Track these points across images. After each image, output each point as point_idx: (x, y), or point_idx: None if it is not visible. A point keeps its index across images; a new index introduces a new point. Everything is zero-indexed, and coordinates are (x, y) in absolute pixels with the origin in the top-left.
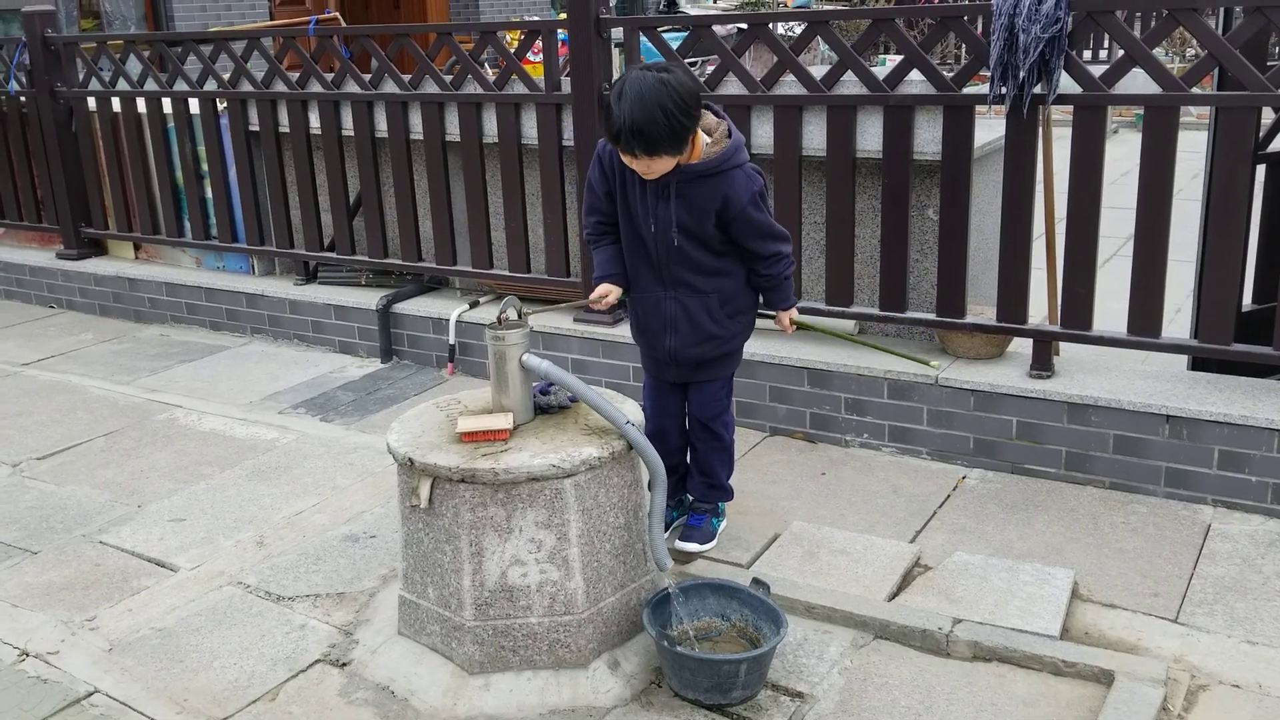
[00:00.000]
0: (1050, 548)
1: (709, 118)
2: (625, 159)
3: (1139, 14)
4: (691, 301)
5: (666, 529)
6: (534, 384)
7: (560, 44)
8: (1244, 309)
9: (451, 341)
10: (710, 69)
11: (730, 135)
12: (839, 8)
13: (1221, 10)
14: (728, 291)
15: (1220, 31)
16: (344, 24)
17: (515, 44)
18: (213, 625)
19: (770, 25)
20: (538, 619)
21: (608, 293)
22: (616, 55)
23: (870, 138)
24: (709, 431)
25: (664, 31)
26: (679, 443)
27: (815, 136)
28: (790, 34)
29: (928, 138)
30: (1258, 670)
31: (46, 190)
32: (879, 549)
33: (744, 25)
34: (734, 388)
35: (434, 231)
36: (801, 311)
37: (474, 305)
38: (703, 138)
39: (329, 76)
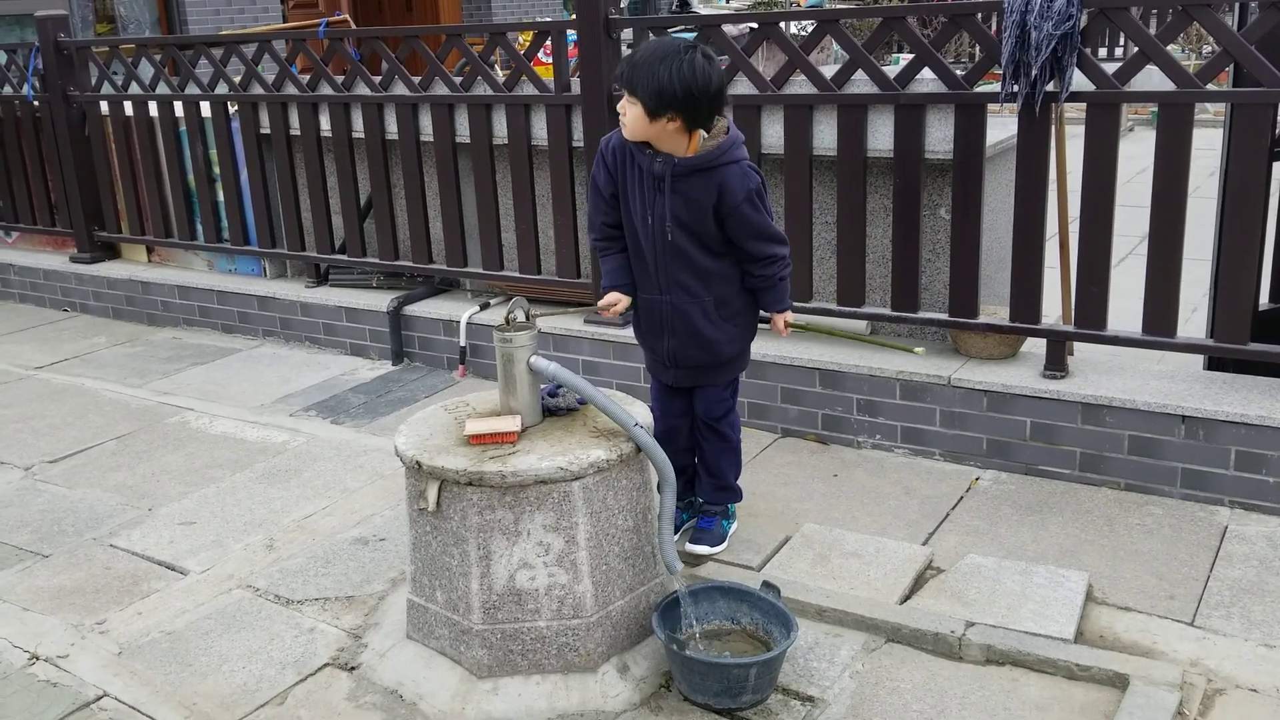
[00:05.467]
0: (1064, 550)
1: None
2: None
3: (1154, 10)
4: (687, 305)
5: (676, 531)
6: (542, 386)
7: (570, 45)
8: (1261, 308)
9: (462, 344)
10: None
11: (728, 132)
12: (850, 6)
13: (1237, 6)
14: (723, 294)
15: (1236, 27)
16: (354, 26)
17: (526, 45)
18: (222, 629)
19: (781, 25)
20: (546, 623)
21: (616, 301)
22: None
23: (881, 137)
24: (715, 433)
25: (675, 32)
26: (688, 443)
27: (826, 136)
28: (802, 33)
29: (939, 136)
30: (1275, 674)
31: (60, 194)
32: (891, 551)
33: (755, 25)
34: (744, 389)
35: (444, 233)
36: (813, 312)
37: (485, 307)
38: (700, 133)
39: (339, 79)
